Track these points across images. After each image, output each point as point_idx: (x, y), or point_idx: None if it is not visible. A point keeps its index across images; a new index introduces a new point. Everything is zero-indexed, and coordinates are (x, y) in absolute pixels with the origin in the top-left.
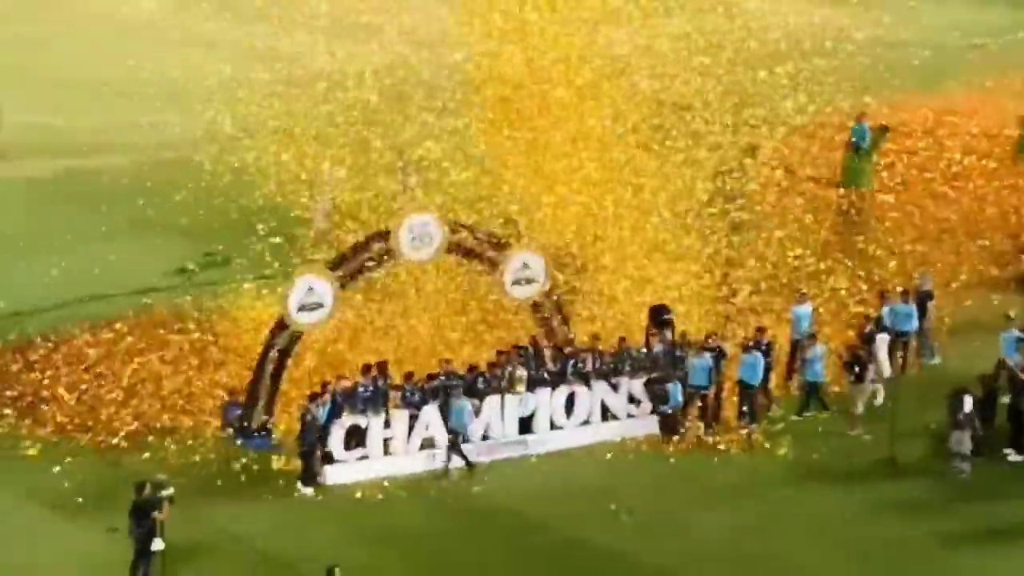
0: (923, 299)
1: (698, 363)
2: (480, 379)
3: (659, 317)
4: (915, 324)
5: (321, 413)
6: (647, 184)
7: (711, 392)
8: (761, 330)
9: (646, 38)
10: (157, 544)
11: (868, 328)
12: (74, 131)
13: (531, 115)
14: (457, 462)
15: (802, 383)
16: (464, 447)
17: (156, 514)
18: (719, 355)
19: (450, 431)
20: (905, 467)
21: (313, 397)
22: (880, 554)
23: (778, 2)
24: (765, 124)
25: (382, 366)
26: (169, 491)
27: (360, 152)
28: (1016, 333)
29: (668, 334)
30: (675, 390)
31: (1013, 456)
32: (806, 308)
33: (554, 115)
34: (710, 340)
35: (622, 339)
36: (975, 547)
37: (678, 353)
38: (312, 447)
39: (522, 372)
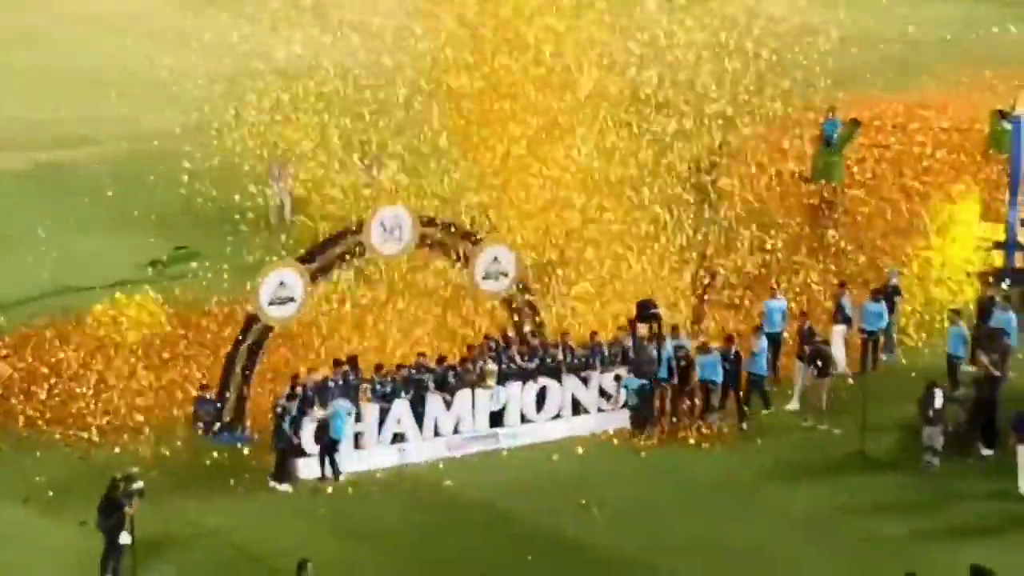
0: (891, 295)
1: (706, 360)
2: (451, 372)
3: (646, 311)
4: (885, 322)
5: (293, 408)
6: (619, 177)
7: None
8: (729, 339)
9: (619, 31)
10: (124, 538)
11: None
12: (49, 124)
13: (499, 108)
14: (327, 470)
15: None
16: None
17: (127, 508)
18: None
19: (328, 438)
20: (875, 461)
21: (291, 393)
22: (853, 546)
23: None
24: (737, 118)
25: (352, 360)
26: (139, 484)
27: (328, 143)
28: (963, 328)
29: (651, 328)
30: (635, 384)
31: (984, 451)
32: (779, 303)
33: (523, 107)
34: (675, 334)
35: (593, 333)
36: (947, 541)
37: (654, 347)
38: (288, 444)
39: (493, 366)
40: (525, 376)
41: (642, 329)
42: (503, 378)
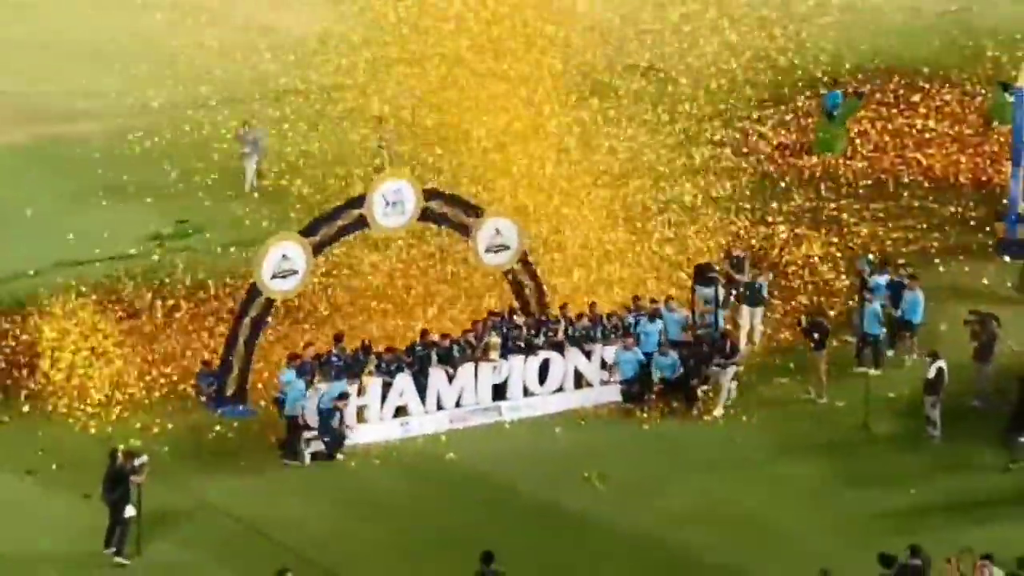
0: (864, 282)
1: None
2: (455, 347)
3: (704, 274)
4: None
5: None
6: (616, 150)
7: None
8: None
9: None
10: (129, 511)
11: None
12: (48, 96)
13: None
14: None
15: None
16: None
17: (134, 478)
18: None
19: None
20: (878, 435)
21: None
22: (855, 518)
23: None
24: (739, 90)
25: (366, 346)
26: (143, 459)
27: (324, 115)
28: (878, 307)
29: (711, 292)
30: (628, 358)
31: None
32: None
33: (513, 78)
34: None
35: (592, 304)
36: (948, 515)
37: (632, 319)
38: (293, 420)
39: (496, 339)
40: (528, 349)
41: (704, 292)
42: (506, 351)
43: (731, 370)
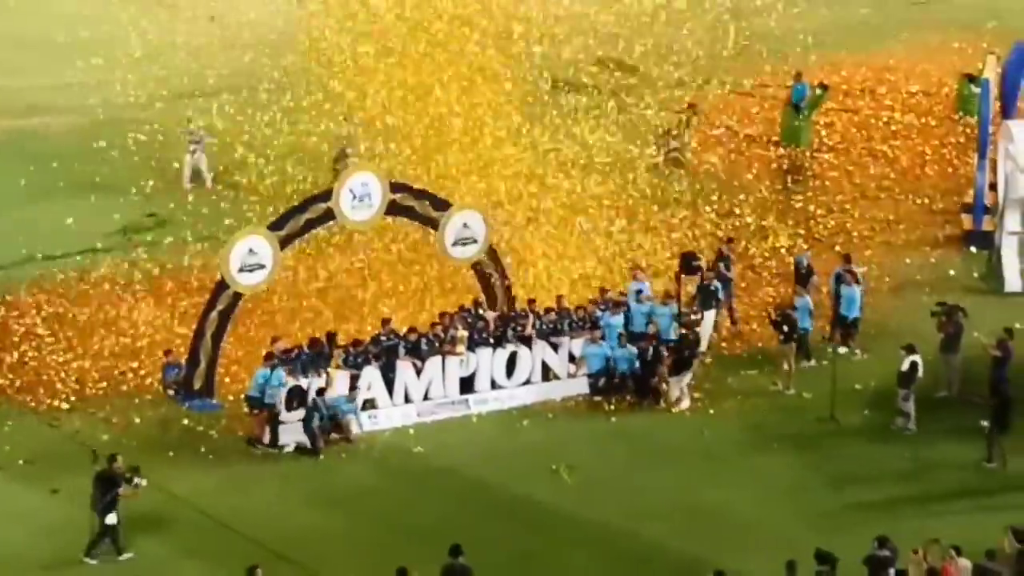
0: (806, 276)
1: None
2: (423, 340)
3: (689, 263)
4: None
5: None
6: (585, 142)
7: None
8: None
9: None
10: (111, 518)
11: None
12: (18, 91)
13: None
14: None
15: None
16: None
17: (123, 489)
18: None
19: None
20: (846, 426)
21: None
22: (823, 510)
23: None
24: (706, 83)
25: (330, 336)
26: (142, 481)
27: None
28: (808, 300)
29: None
30: (595, 351)
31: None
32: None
33: (476, 74)
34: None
35: (559, 297)
36: (916, 506)
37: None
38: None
39: (463, 332)
40: (495, 342)
41: (688, 283)
42: (473, 344)
43: (686, 375)
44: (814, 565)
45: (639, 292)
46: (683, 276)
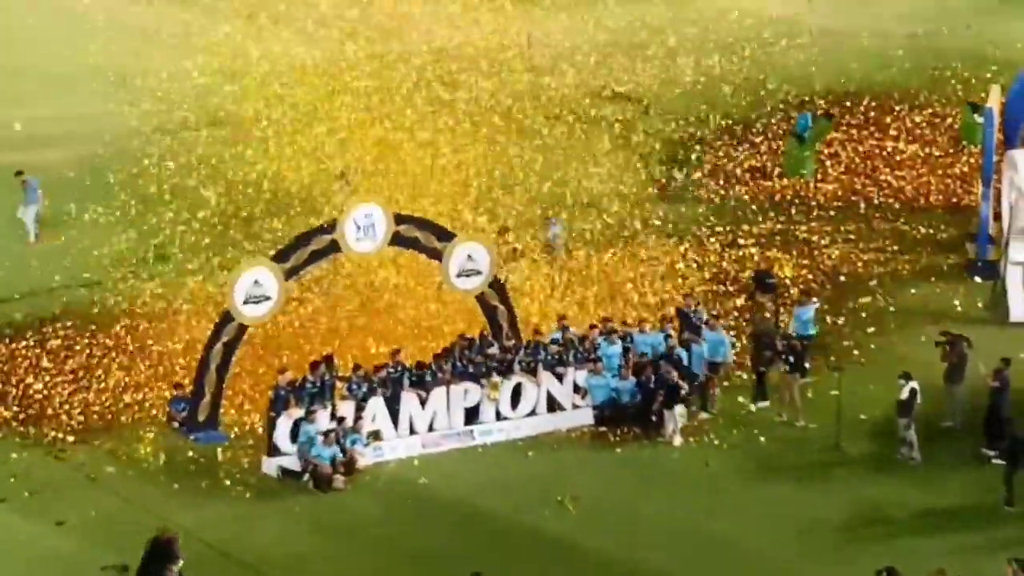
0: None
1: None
2: (427, 371)
3: (763, 281)
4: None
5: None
6: (592, 174)
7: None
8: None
9: (591, 26)
10: None
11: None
12: (21, 123)
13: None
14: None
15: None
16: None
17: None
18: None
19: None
20: (851, 456)
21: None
22: (827, 540)
23: None
24: (710, 113)
25: (328, 359)
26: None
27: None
28: (812, 309)
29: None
30: (598, 382)
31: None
32: (808, 309)
33: (477, 107)
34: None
35: (561, 317)
36: (921, 537)
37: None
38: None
39: (497, 378)
40: (501, 374)
41: (763, 300)
42: (476, 377)
43: (678, 408)
44: None
45: (700, 318)
46: (758, 294)
